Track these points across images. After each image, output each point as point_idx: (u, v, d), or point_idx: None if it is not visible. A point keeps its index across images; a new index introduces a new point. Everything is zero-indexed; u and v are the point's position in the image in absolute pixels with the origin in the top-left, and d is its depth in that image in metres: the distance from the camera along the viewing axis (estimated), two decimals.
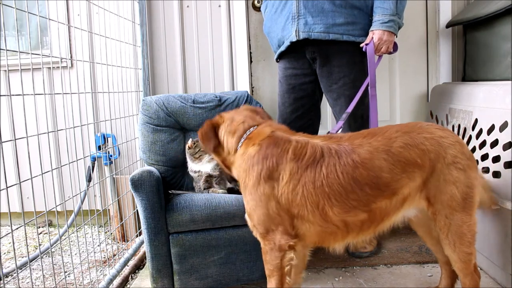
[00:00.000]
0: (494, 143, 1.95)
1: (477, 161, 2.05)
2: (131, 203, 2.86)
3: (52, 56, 2.81)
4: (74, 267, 2.44)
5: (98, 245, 2.73)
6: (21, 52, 1.70)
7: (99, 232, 3.01)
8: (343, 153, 1.48)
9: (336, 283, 2.10)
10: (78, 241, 2.88)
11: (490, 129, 1.99)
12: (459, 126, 2.31)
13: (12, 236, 1.56)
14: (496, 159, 1.94)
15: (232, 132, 1.63)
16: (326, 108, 2.86)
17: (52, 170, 1.88)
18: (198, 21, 2.95)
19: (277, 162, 1.49)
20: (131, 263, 2.44)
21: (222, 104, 2.39)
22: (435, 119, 2.71)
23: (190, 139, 2.21)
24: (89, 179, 2.88)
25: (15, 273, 2.30)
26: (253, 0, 2.93)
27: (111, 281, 2.17)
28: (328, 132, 1.97)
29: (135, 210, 2.82)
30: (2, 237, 1.72)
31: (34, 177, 1.69)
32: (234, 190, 2.14)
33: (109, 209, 2.89)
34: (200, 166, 2.14)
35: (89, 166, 2.87)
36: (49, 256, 2.65)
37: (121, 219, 2.91)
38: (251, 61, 3.00)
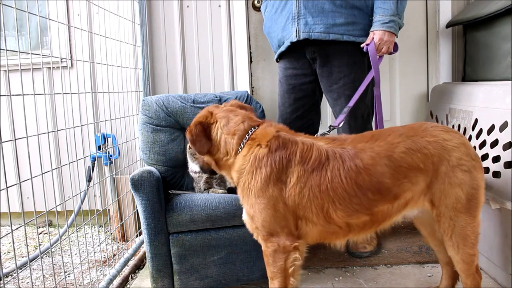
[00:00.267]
0: (494, 143, 1.95)
1: None
2: (131, 203, 2.86)
3: (52, 56, 2.81)
4: (74, 267, 2.44)
5: (98, 245, 2.72)
6: (21, 52, 1.70)
7: (99, 232, 3.01)
8: (346, 157, 1.49)
9: (336, 283, 2.10)
10: (78, 241, 2.88)
11: (490, 129, 1.99)
12: (459, 126, 2.31)
13: (12, 236, 1.56)
14: (496, 159, 1.94)
15: (231, 133, 1.56)
16: (326, 108, 2.86)
17: (52, 170, 1.88)
18: (198, 21, 2.95)
19: (286, 164, 1.48)
20: (131, 263, 2.44)
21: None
22: (435, 119, 2.71)
23: None
24: (89, 179, 2.87)
25: (15, 273, 2.30)
26: (253, 0, 2.93)
27: (111, 281, 2.17)
28: (330, 125, 1.97)
29: (135, 210, 2.82)
30: (2, 237, 1.72)
31: (34, 177, 1.69)
32: (234, 190, 2.14)
33: (109, 209, 2.89)
34: None
35: (89, 166, 2.87)
36: (49, 256, 2.64)
37: (121, 219, 2.91)
38: (251, 61, 3.00)
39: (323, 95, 2.41)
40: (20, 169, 2.25)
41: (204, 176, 2.13)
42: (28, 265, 1.73)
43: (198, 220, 1.90)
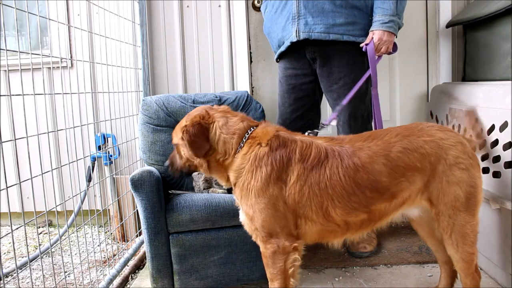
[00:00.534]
0: (494, 143, 1.95)
1: None
2: (131, 203, 2.86)
3: (52, 56, 2.81)
4: (74, 267, 2.44)
5: (98, 245, 2.72)
6: (21, 52, 1.70)
7: (99, 232, 3.01)
8: (345, 155, 1.50)
9: (336, 283, 2.10)
10: (78, 241, 2.88)
11: (490, 129, 1.99)
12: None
13: (12, 236, 1.56)
14: (496, 159, 1.94)
15: (231, 132, 1.54)
16: (326, 108, 2.86)
17: (52, 170, 1.88)
18: (198, 21, 2.95)
19: (286, 163, 1.49)
20: (131, 263, 2.44)
21: (222, 104, 2.38)
22: (435, 119, 2.71)
23: None
24: (89, 179, 2.87)
25: (15, 273, 2.30)
26: (253, 0, 2.93)
27: (111, 281, 2.17)
28: (321, 123, 1.97)
29: (135, 210, 2.82)
30: (2, 237, 1.72)
31: (34, 177, 1.69)
32: None
33: (109, 209, 2.89)
34: None
35: (89, 166, 2.87)
36: (49, 256, 2.64)
37: (121, 219, 2.91)
38: (251, 61, 3.00)
39: (323, 95, 2.41)
40: (20, 169, 2.25)
41: (204, 175, 2.13)
42: (28, 265, 1.73)
43: (198, 220, 1.90)
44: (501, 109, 1.91)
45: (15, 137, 1.64)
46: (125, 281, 2.27)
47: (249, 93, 2.59)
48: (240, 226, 1.87)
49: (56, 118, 2.79)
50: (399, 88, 3.03)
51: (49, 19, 2.17)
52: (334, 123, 2.00)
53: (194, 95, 2.40)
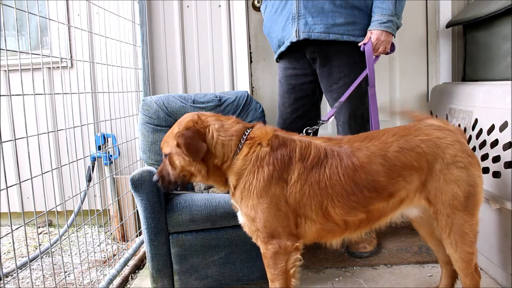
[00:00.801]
0: (494, 143, 1.95)
1: None
2: (131, 203, 2.86)
3: (52, 56, 2.81)
4: (74, 267, 2.44)
5: (98, 245, 2.73)
6: (21, 52, 1.70)
7: (99, 232, 3.01)
8: (344, 155, 1.51)
9: (336, 283, 2.10)
10: (78, 241, 2.88)
11: (490, 129, 1.99)
12: (459, 126, 2.31)
13: (12, 236, 1.56)
14: (496, 159, 1.94)
15: (229, 134, 1.51)
16: (326, 108, 2.86)
17: (52, 170, 1.88)
18: (198, 21, 2.95)
19: (287, 162, 1.49)
20: (131, 263, 2.44)
21: (222, 104, 2.39)
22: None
23: None
24: (89, 179, 2.88)
25: (15, 273, 2.30)
26: (253, 0, 2.93)
27: (111, 281, 2.17)
28: (320, 119, 1.97)
29: (135, 210, 2.82)
30: (2, 237, 1.72)
31: (34, 177, 1.69)
32: None
33: (109, 209, 2.89)
34: None
35: (89, 166, 2.87)
36: (49, 256, 2.65)
37: (121, 219, 2.91)
38: (251, 61, 3.00)
39: (323, 95, 2.41)
40: (20, 169, 2.25)
41: None
42: (28, 265, 1.73)
43: (198, 220, 1.90)
44: (501, 109, 1.91)
45: (15, 137, 1.64)
46: (125, 281, 2.27)
47: (249, 93, 2.59)
48: (240, 226, 1.87)
49: (56, 118, 2.79)
50: (399, 88, 3.03)
51: (49, 19, 2.17)
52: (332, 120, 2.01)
53: (194, 95, 2.40)
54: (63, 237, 2.77)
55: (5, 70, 1.81)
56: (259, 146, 1.51)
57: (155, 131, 2.25)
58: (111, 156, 2.86)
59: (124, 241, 2.86)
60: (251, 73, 3.00)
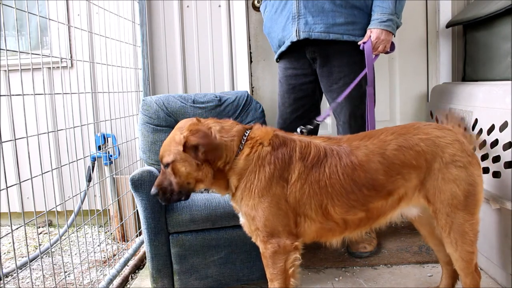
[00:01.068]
0: (494, 143, 1.95)
1: None
2: (131, 203, 2.86)
3: (52, 56, 2.81)
4: (74, 267, 2.44)
5: (98, 245, 2.73)
6: (21, 52, 1.70)
7: (99, 232, 3.01)
8: (343, 154, 1.51)
9: (336, 283, 2.10)
10: (78, 241, 2.88)
11: (490, 129, 1.99)
12: (459, 126, 2.31)
13: (12, 236, 1.56)
14: (496, 159, 1.94)
15: (230, 135, 1.51)
16: (326, 108, 2.85)
17: (52, 170, 1.88)
18: (198, 21, 2.95)
19: (288, 161, 1.50)
20: (131, 263, 2.44)
21: (222, 104, 2.39)
22: (435, 119, 2.71)
23: None
24: (89, 179, 2.88)
25: (15, 273, 2.30)
26: (253, 0, 2.93)
27: (111, 281, 2.17)
28: (316, 120, 1.97)
29: (135, 210, 2.82)
30: (2, 237, 1.72)
31: (34, 177, 1.69)
32: None
33: (109, 209, 2.89)
34: None
35: (89, 166, 2.87)
36: (49, 256, 2.64)
37: (121, 219, 2.91)
38: (251, 61, 3.00)
39: (323, 95, 2.41)
40: (20, 169, 2.25)
41: None
42: (28, 265, 1.73)
43: (198, 220, 1.90)
44: (501, 109, 1.91)
45: (15, 137, 1.64)
46: (125, 281, 2.27)
47: (249, 93, 2.59)
48: (240, 226, 1.87)
49: (56, 118, 2.79)
50: (399, 88, 3.03)
51: (49, 19, 2.17)
52: (328, 120, 2.00)
53: (194, 95, 2.40)
54: (63, 237, 2.77)
55: (5, 70, 1.81)
56: (260, 145, 1.52)
57: (155, 131, 2.25)
58: (111, 156, 2.86)
59: (124, 241, 2.86)
60: (251, 73, 3.00)
